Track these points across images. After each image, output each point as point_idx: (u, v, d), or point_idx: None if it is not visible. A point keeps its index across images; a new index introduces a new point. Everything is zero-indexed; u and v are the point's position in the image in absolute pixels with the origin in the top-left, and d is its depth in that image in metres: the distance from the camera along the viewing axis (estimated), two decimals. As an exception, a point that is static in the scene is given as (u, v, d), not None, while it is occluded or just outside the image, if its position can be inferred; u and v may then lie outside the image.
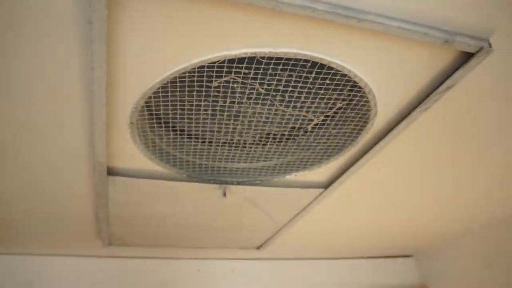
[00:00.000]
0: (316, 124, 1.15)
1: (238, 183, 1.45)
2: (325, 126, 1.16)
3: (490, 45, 0.90)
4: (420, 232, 2.36)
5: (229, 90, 0.98)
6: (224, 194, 1.46)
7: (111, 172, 1.32)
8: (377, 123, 1.15)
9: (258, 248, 2.26)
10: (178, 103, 1.01)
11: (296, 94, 1.01)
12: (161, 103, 1.01)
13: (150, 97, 0.98)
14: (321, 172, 1.42)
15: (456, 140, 1.31)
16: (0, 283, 2.22)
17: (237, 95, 1.00)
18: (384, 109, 1.09)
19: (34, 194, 1.52)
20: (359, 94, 1.03)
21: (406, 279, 2.80)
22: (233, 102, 1.03)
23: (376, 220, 2.05)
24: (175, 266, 2.47)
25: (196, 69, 0.89)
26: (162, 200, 1.54)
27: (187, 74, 0.90)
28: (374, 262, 2.79)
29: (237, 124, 1.13)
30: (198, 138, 1.21)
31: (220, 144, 1.23)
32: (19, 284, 2.25)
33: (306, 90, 0.99)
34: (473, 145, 1.37)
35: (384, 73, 0.95)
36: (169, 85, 0.94)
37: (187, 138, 1.20)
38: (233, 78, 0.93)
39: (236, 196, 1.53)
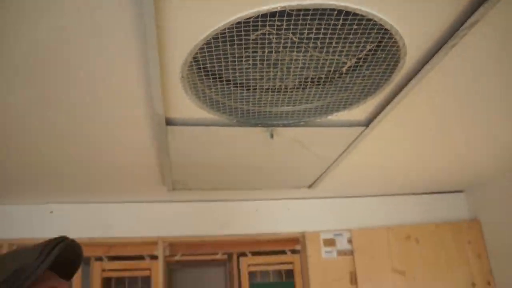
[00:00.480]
0: (350, 67, 1.24)
1: (284, 125, 1.58)
2: (358, 68, 1.25)
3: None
4: (469, 167, 2.41)
5: (266, 41, 1.09)
6: (272, 136, 1.60)
7: (169, 122, 1.49)
8: (408, 62, 1.22)
9: (310, 187, 2.41)
10: (221, 56, 1.14)
11: (327, 40, 1.10)
12: (207, 57, 1.14)
13: (196, 53, 1.11)
14: (360, 112, 1.52)
15: (490, 73, 1.35)
16: (88, 226, 2.55)
17: (273, 45, 1.11)
18: (413, 48, 1.16)
19: (104, 147, 1.74)
20: (387, 36, 1.10)
21: (458, 213, 2.88)
22: (271, 52, 1.14)
23: (421, 157, 2.12)
24: (234, 208, 2.69)
25: (234, 26, 1.00)
26: (217, 145, 1.70)
27: (227, 31, 1.02)
28: (425, 198, 2.88)
29: (277, 71, 1.24)
30: (243, 86, 1.33)
31: (264, 90, 1.35)
32: (101, 227, 2.57)
33: (336, 36, 1.08)
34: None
35: (408, 14, 1.02)
36: (212, 41, 1.06)
37: (233, 86, 1.33)
38: (268, 31, 1.03)
39: (283, 137, 1.67)
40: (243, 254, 2.76)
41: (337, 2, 0.95)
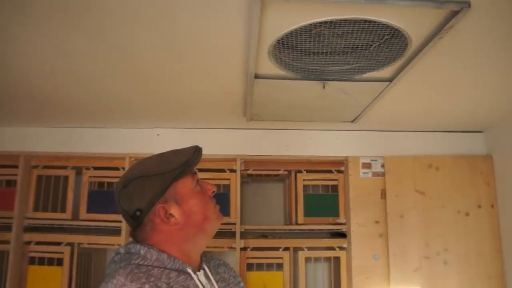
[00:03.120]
0: (375, 46, 1.94)
1: (333, 80, 2.31)
2: (381, 47, 1.94)
3: (469, 5, 1.59)
4: (484, 111, 3.00)
5: (321, 33, 1.81)
6: (324, 87, 2.34)
7: (256, 76, 2.26)
8: (413, 44, 1.89)
9: (352, 121, 3.14)
10: (294, 39, 1.87)
11: (360, 32, 1.80)
12: (285, 38, 1.87)
13: (280, 38, 1.85)
14: (385, 72, 2.21)
15: (481, 54, 2.00)
16: (184, 146, 3.41)
17: (326, 35, 1.83)
18: (415, 37, 1.83)
19: (205, 91, 2.53)
20: (398, 31, 1.79)
21: (475, 150, 3.49)
22: (324, 37, 1.86)
23: (439, 104, 2.78)
24: (294, 135, 3.47)
25: (303, 27, 1.73)
26: (286, 91, 2.46)
27: (298, 29, 1.75)
28: (448, 135, 3.50)
29: (328, 48, 1.96)
30: (306, 53, 2.06)
31: (319, 56, 2.08)
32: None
33: (365, 31, 1.78)
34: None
35: (409, 19, 1.69)
36: (288, 33, 1.80)
37: (300, 53, 2.06)
38: (322, 29, 1.76)
39: (332, 88, 2.40)
40: (299, 172, 3.57)
41: (365, 16, 1.65)
